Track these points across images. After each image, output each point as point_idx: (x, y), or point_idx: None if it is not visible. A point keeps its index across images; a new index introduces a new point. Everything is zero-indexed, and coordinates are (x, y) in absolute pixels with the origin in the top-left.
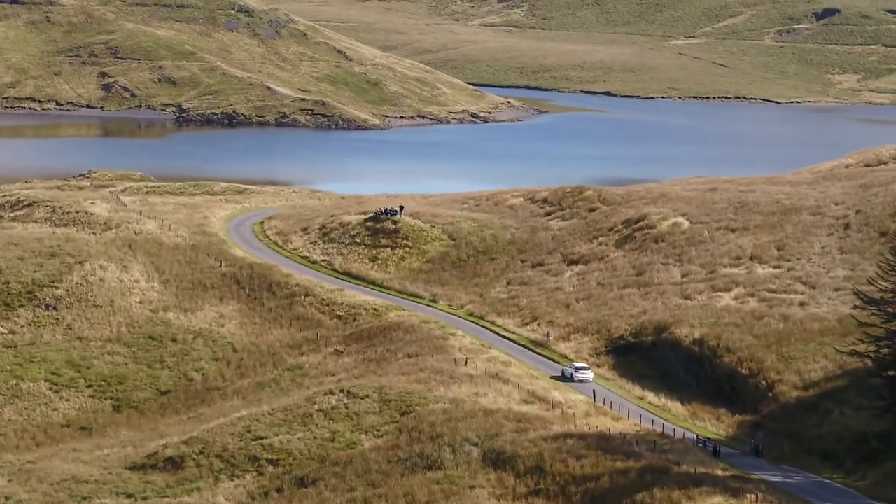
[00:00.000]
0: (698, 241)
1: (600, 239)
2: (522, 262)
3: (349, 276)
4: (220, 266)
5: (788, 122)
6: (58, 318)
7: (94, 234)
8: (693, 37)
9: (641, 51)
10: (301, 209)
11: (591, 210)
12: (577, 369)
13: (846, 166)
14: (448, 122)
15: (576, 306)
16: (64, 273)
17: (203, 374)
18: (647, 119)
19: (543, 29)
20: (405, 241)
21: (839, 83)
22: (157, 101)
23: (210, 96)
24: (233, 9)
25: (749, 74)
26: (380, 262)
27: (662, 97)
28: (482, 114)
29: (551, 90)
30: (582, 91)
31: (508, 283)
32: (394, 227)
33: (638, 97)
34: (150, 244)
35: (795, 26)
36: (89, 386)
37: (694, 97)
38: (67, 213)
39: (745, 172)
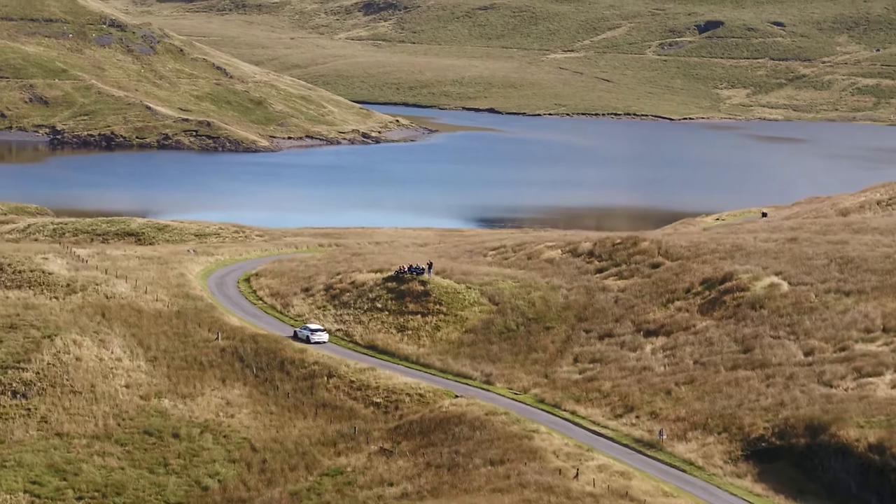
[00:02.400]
0: (808, 307)
1: (677, 303)
2: (586, 332)
3: (374, 349)
4: (217, 339)
5: (696, 141)
6: (29, 409)
7: (56, 298)
8: (572, 50)
9: (520, 65)
10: (291, 264)
11: (654, 266)
12: (313, 331)
13: (878, 202)
14: (339, 142)
15: (679, 392)
16: (31, 351)
17: (220, 482)
18: (548, 139)
19: (414, 43)
20: (438, 307)
21: (728, 98)
22: (29, 122)
23: (86, 117)
24: (104, 23)
25: (634, 90)
26: (410, 332)
27: (549, 114)
28: (373, 134)
29: (431, 107)
30: (464, 108)
31: (576, 360)
32: (422, 288)
33: (524, 114)
34: (127, 311)
35: (678, 39)
36: (80, 498)
37: (582, 114)
38: (19, 271)
39: (696, 197)
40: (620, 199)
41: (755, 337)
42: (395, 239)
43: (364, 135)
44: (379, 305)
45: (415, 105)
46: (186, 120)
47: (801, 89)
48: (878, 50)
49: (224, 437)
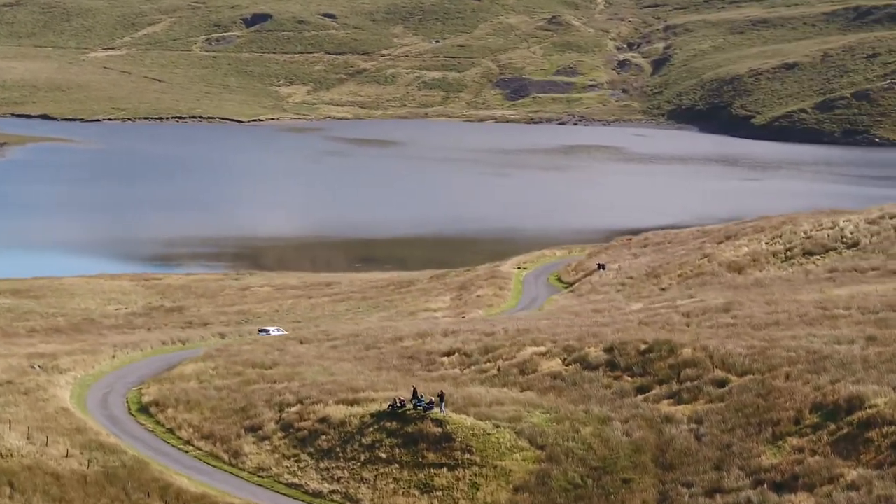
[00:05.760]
0: None
1: (792, 441)
2: (684, 486)
3: None
4: None
5: (289, 146)
6: None
7: None
8: (112, 48)
9: (61, 65)
10: (189, 385)
11: (719, 384)
12: (267, 331)
13: (774, 253)
14: None
15: None
16: None
17: None
18: (138, 149)
19: None
20: (468, 456)
21: (289, 96)
22: None
23: None
24: None
25: (189, 89)
26: (440, 493)
27: (109, 119)
28: None
29: None
30: (12, 114)
31: None
32: (440, 430)
33: (81, 120)
34: (41, 478)
35: (225, 34)
36: None
37: (145, 118)
38: None
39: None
40: (281, 224)
41: None
42: (100, 294)
43: None
44: (382, 455)
45: None
46: None
47: (364, 84)
48: (437, 41)
49: None
